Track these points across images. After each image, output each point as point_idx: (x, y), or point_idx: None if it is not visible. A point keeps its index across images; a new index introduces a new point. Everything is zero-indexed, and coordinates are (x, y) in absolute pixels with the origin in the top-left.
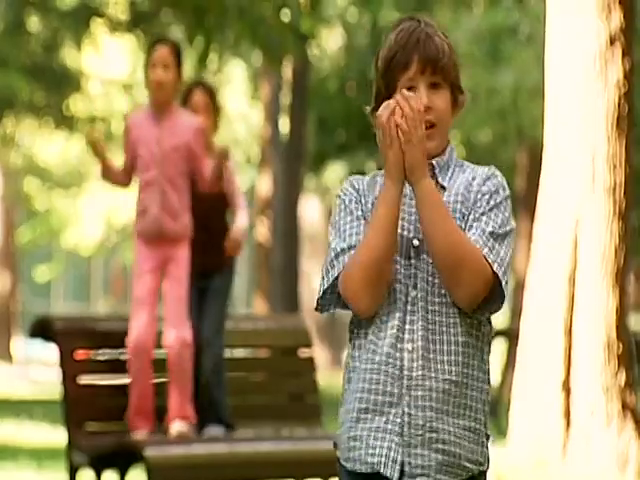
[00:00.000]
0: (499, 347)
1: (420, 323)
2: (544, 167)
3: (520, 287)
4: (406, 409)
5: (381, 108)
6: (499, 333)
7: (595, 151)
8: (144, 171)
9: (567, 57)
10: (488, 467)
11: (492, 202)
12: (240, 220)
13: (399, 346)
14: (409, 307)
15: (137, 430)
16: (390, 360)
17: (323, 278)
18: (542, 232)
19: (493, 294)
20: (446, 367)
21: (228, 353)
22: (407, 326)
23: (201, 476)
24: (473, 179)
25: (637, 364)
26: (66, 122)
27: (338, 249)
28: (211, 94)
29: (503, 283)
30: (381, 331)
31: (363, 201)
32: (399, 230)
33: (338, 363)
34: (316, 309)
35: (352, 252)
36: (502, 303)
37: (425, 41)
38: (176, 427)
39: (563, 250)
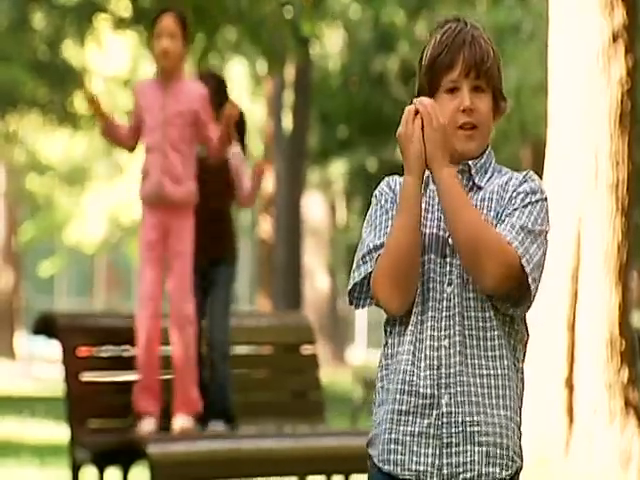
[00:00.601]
0: None
1: (457, 319)
2: (547, 164)
3: None
4: (445, 409)
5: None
6: None
7: (598, 148)
8: (148, 135)
9: (570, 54)
10: (522, 465)
11: (527, 200)
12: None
13: (436, 344)
14: (445, 303)
15: (142, 411)
16: (427, 362)
17: (354, 272)
18: None
19: (521, 289)
20: (483, 362)
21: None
22: (444, 322)
23: (204, 473)
24: (510, 180)
25: None
26: (69, 119)
27: (371, 245)
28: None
29: (530, 279)
30: (418, 331)
31: (398, 201)
32: (434, 230)
33: (341, 360)
34: (350, 303)
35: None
36: (530, 300)
37: (471, 43)
38: (179, 422)
39: (566, 247)
